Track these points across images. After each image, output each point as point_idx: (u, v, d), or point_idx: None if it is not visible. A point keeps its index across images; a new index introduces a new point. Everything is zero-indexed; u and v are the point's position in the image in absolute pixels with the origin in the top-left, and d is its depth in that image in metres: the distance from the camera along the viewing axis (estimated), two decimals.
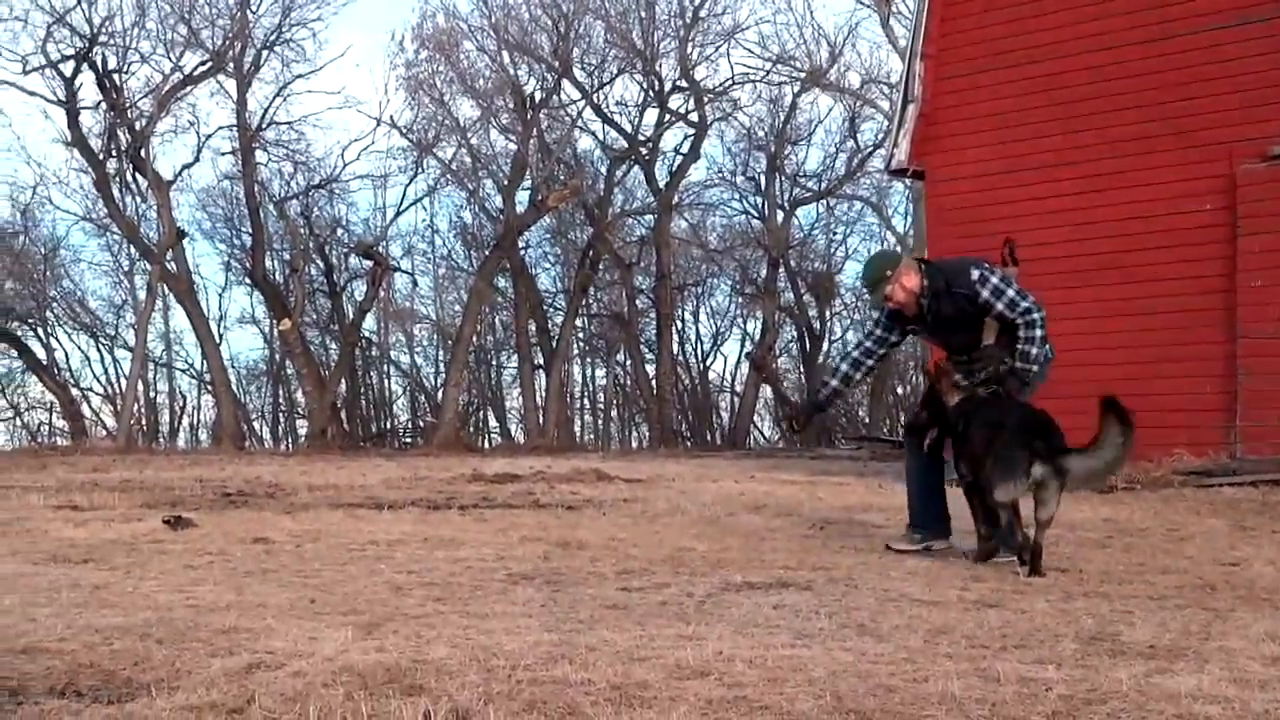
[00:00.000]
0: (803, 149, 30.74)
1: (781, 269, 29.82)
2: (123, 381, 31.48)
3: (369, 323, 32.20)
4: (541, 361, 29.13)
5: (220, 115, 42.95)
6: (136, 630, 4.03)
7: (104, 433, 29.16)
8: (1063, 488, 5.59)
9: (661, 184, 28.81)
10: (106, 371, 33.83)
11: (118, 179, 26.57)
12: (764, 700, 3.15)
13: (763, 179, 29.84)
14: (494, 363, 35.13)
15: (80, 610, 4.46)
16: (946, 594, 4.94)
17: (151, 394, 33.97)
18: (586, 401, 36.20)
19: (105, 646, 3.78)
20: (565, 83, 27.79)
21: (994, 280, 6.09)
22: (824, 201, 31.15)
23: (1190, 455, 10.96)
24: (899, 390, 31.49)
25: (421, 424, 33.56)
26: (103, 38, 25.30)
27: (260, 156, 27.25)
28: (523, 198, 27.10)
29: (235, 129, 26.80)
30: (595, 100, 28.49)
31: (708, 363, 34.83)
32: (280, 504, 9.32)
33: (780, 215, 29.91)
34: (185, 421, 35.35)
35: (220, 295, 34.70)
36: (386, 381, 35.35)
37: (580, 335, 33.23)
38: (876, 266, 6.45)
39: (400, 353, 35.81)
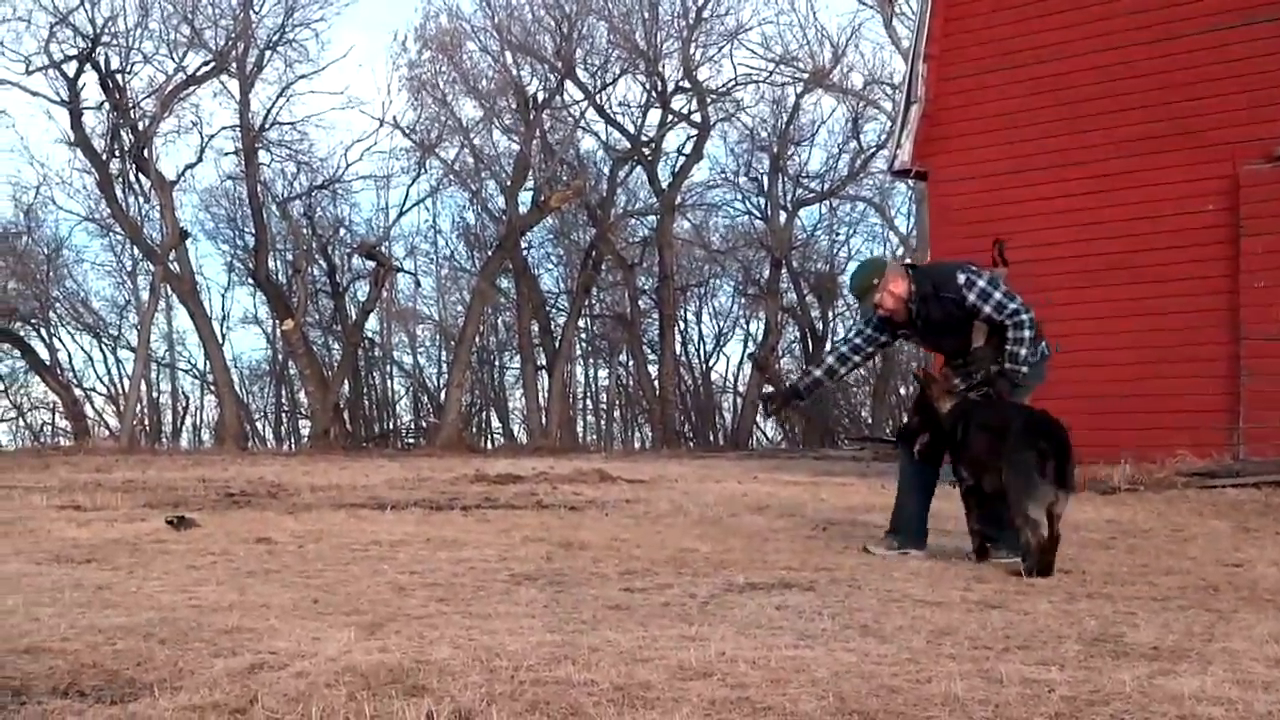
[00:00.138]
0: (805, 150, 30.83)
1: (784, 270, 29.83)
2: (126, 382, 31.55)
3: (372, 323, 32.29)
4: (544, 362, 29.15)
5: (223, 115, 42.66)
6: (139, 630, 4.03)
7: (107, 433, 29.20)
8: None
9: (664, 184, 28.82)
10: (109, 372, 33.93)
11: (121, 179, 26.62)
12: (767, 701, 3.14)
13: (765, 180, 29.88)
14: (496, 363, 35.16)
15: (83, 610, 4.46)
16: (949, 595, 4.93)
17: (154, 394, 34.02)
18: (589, 402, 36.25)
19: (108, 646, 3.78)
20: (568, 83, 27.87)
21: (980, 283, 6.08)
22: (827, 202, 31.21)
23: (1193, 456, 10.94)
24: (901, 391, 31.45)
25: (424, 424, 33.57)
26: (106, 38, 25.38)
27: (263, 157, 27.33)
28: (525, 198, 27.15)
29: (238, 129, 26.85)
30: (598, 101, 28.54)
31: (710, 363, 34.90)
32: (283, 504, 9.32)
33: (783, 216, 29.91)
34: (188, 422, 35.45)
35: (223, 295, 34.82)
36: (389, 382, 35.43)
37: (583, 336, 33.23)
38: (863, 275, 6.41)
39: (403, 353, 35.89)
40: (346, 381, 30.20)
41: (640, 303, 31.03)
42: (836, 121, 40.93)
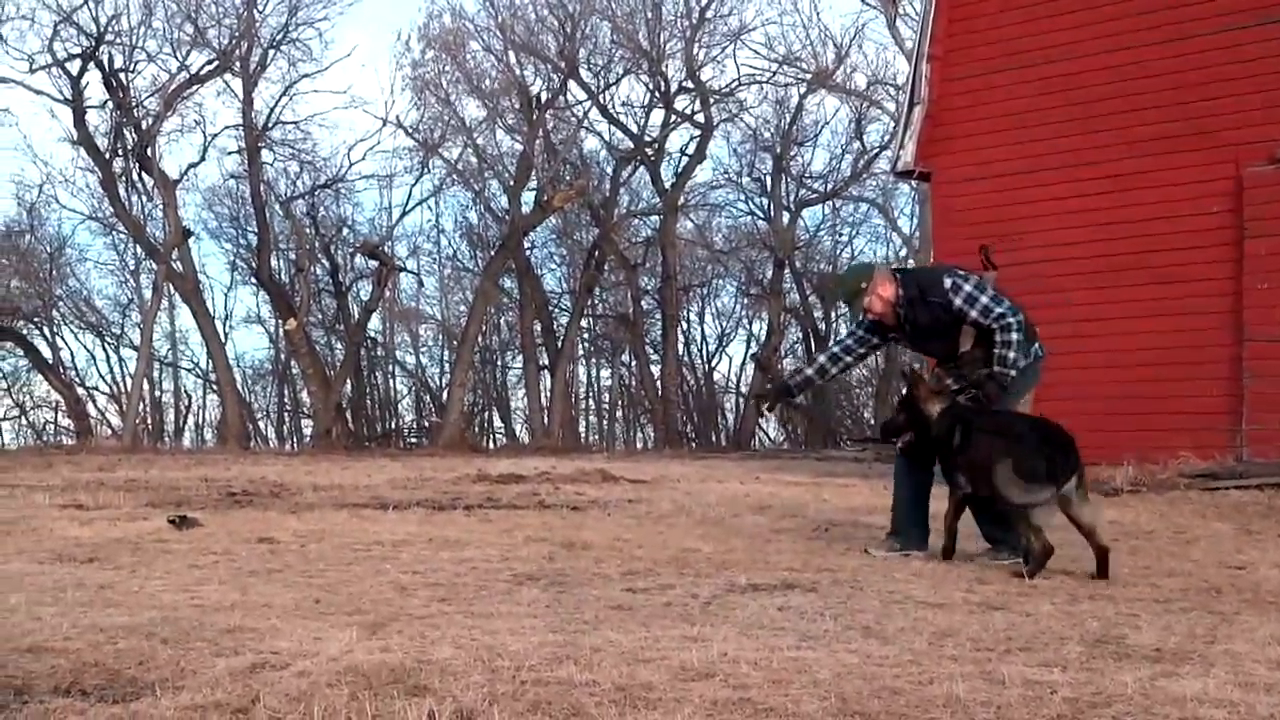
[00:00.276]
0: (808, 150, 30.83)
1: (787, 270, 29.82)
2: (128, 380, 31.53)
3: (374, 323, 32.26)
4: (546, 362, 29.15)
5: (226, 115, 43.00)
6: (141, 629, 4.03)
7: (109, 432, 29.21)
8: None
9: (667, 185, 28.81)
10: (112, 370, 33.91)
11: (124, 178, 26.66)
12: (769, 702, 3.14)
13: (768, 180, 29.84)
14: (499, 363, 35.16)
15: (85, 609, 4.46)
16: (951, 596, 4.93)
17: (157, 393, 33.99)
18: (591, 402, 36.23)
19: (110, 646, 3.78)
20: (571, 83, 27.85)
21: (967, 288, 6.09)
22: (830, 203, 31.17)
23: (1196, 458, 10.94)
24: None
25: (426, 424, 33.56)
26: (109, 37, 25.41)
27: (266, 156, 27.35)
28: (528, 198, 27.17)
29: (241, 128, 26.86)
30: (601, 101, 28.53)
31: (713, 364, 34.88)
32: (285, 504, 9.32)
33: (786, 216, 29.92)
34: (190, 421, 35.44)
35: (226, 295, 34.83)
36: (391, 382, 35.40)
37: (585, 336, 33.23)
38: (851, 279, 6.50)
39: (405, 353, 35.88)
40: (349, 381, 30.21)
41: (643, 303, 31.02)
42: (840, 122, 40.92)
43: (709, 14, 27.90)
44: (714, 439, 31.91)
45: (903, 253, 30.00)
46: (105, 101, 26.14)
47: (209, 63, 26.08)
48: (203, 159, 27.61)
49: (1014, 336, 6.03)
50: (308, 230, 28.99)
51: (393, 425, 34.43)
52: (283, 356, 33.15)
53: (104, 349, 33.72)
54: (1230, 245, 11.46)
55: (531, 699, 3.16)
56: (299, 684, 3.28)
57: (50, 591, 4.91)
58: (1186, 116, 11.72)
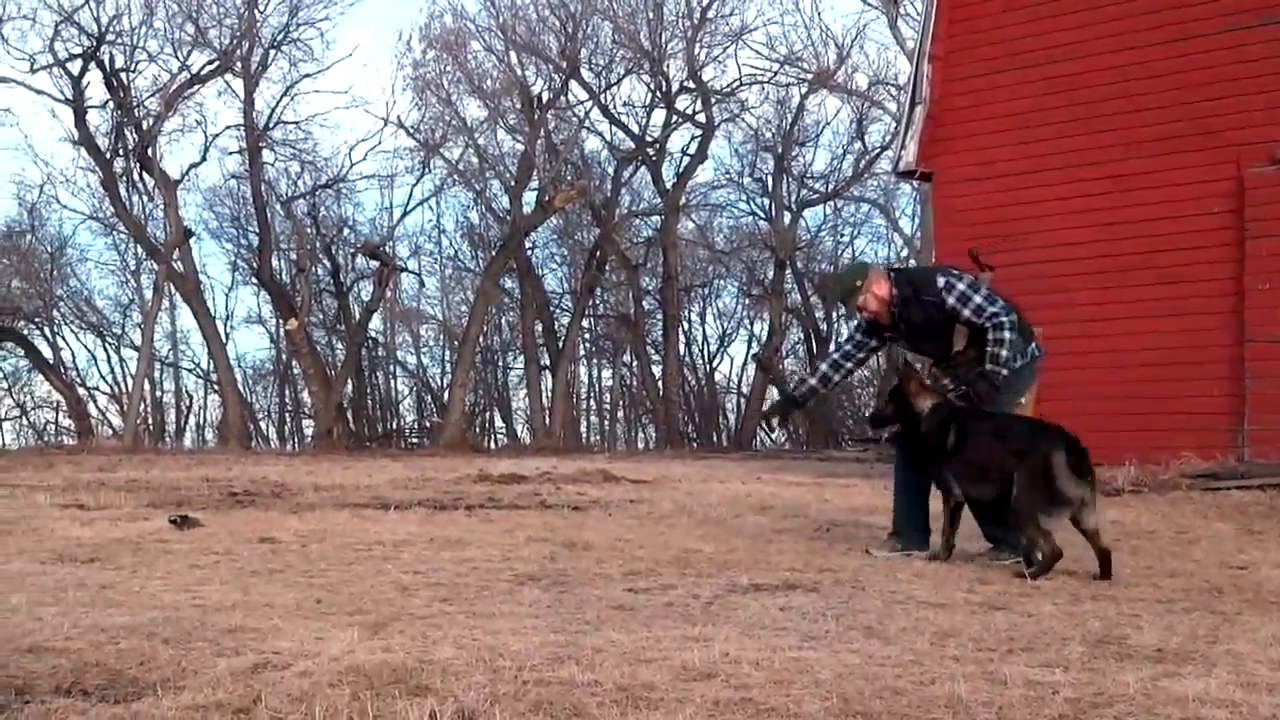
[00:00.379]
0: (810, 150, 30.91)
1: (788, 270, 29.81)
2: (129, 381, 31.54)
3: (375, 323, 32.28)
4: (548, 362, 29.16)
5: (227, 115, 43.12)
6: (142, 630, 4.03)
7: (110, 432, 29.22)
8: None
9: (668, 185, 28.81)
10: (113, 371, 33.95)
11: (125, 178, 26.66)
12: (770, 702, 3.14)
13: (770, 180, 29.84)
14: (500, 363, 35.18)
15: (86, 609, 4.46)
16: (953, 596, 4.93)
17: (158, 393, 34.01)
18: (592, 402, 36.23)
19: (111, 646, 3.78)
20: (572, 83, 27.87)
21: (960, 287, 6.10)
22: (831, 203, 31.18)
23: (1197, 458, 10.94)
24: None
25: (428, 424, 33.57)
26: (110, 37, 25.42)
27: (267, 156, 27.36)
28: (529, 198, 27.17)
29: (242, 128, 26.87)
30: (602, 101, 28.53)
31: (714, 364, 34.91)
32: (286, 504, 9.32)
33: (787, 216, 29.91)
34: (191, 421, 35.49)
35: (227, 295, 34.87)
36: (392, 382, 35.43)
37: (586, 336, 33.24)
38: (847, 278, 6.54)
39: (406, 353, 35.92)
40: (350, 381, 30.21)
41: (644, 303, 31.02)
42: (841, 122, 40.94)
43: (710, 14, 27.94)
44: (715, 439, 31.92)
45: (904, 253, 30.03)
46: (106, 101, 26.19)
47: (210, 63, 26.12)
48: (204, 159, 27.81)
49: (1006, 335, 6.03)
50: (309, 230, 29.00)
51: (394, 425, 34.46)
52: (284, 357, 33.18)
53: (105, 349, 33.81)
54: (1232, 246, 11.46)
55: (533, 699, 3.16)
56: (300, 684, 3.28)
57: (51, 591, 4.91)
58: (1189, 117, 11.72)
